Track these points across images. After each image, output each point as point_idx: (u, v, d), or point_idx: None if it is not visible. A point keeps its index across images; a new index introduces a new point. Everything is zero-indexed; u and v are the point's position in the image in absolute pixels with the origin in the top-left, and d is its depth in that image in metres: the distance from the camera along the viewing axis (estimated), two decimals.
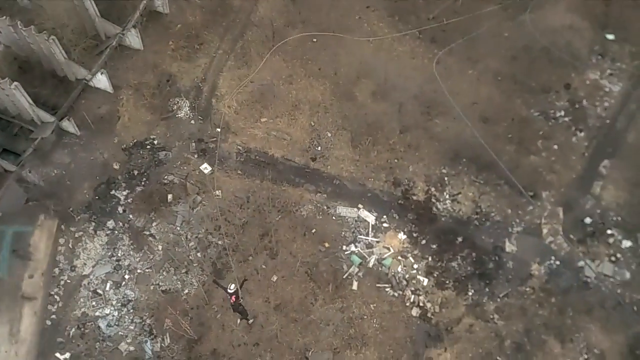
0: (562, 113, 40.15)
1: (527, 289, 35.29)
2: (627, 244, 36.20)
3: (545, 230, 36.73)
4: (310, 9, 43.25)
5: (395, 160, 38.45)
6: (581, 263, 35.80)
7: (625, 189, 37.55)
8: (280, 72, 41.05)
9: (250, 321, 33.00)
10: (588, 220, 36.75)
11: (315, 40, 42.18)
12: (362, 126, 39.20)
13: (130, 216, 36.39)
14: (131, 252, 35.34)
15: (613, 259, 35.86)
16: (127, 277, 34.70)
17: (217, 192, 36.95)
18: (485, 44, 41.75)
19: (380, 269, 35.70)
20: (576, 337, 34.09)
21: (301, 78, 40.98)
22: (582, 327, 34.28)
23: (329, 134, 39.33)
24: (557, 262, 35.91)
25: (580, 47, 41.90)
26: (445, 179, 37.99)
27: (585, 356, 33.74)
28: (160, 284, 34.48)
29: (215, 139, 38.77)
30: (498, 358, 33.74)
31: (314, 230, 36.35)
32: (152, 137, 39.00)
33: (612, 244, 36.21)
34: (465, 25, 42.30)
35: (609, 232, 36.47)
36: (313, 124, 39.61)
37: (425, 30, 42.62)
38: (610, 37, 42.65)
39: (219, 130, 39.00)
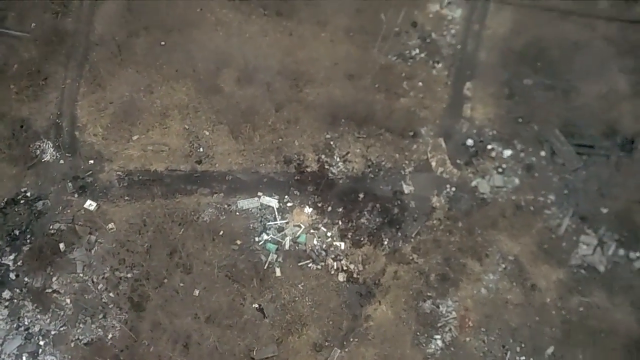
0: (417, 51, 40.97)
1: (434, 222, 36.23)
2: (507, 153, 38.05)
3: (433, 163, 37.71)
4: (149, 14, 40.61)
5: (280, 139, 37.60)
6: (474, 183, 37.24)
7: (492, 104, 39.25)
8: (138, 84, 38.46)
9: None
10: (469, 142, 38.15)
11: (163, 43, 39.83)
12: (237, 115, 37.82)
13: (26, 279, 32.96)
14: (38, 316, 32.09)
15: (500, 170, 37.59)
16: (42, 343, 31.52)
17: (110, 226, 34.31)
18: (329, 4, 41.39)
19: (297, 248, 35.09)
20: (490, 251, 35.61)
21: (161, 84, 38.69)
22: (492, 240, 35.83)
23: (207, 133, 37.62)
24: (453, 189, 37.10)
25: None
26: (331, 143, 37.76)
27: (503, 265, 35.37)
28: (80, 338, 31.65)
29: (90, 172, 35.84)
30: (428, 294, 34.60)
31: (221, 232, 34.90)
32: (22, 190, 35.37)
33: (495, 157, 37.91)
34: None
35: (489, 147, 38.10)
36: (187, 127, 37.68)
37: (269, 6, 41.52)
38: None
39: (91, 162, 36.09)
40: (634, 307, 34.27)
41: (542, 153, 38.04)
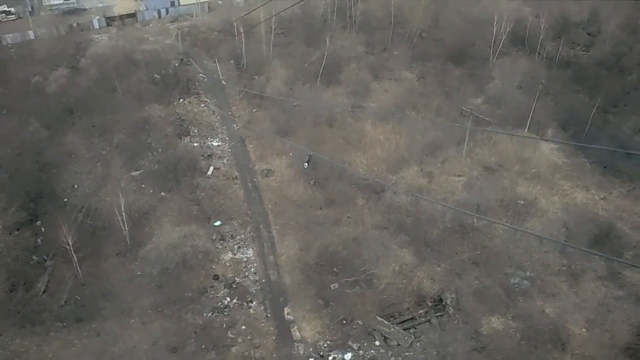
0: (228, 299, 40.71)
1: None
2: (348, 356, 37.50)
3: None
4: None
5: None
6: None
7: (314, 317, 39.46)
8: None
9: None
10: None
11: None
12: None
13: None
14: None
15: None
16: None
17: None
18: (127, 291, 39.95)
19: None
20: None
21: None
22: None
23: None
24: None
25: (203, 244, 44.01)
26: None
27: None
28: None
29: None
30: None
31: None
32: None
33: None
34: (98, 289, 39.98)
35: (330, 358, 37.23)
36: None
37: (65, 317, 38.50)
38: (218, 223, 46.36)
39: None
40: None
41: (377, 343, 38.58)
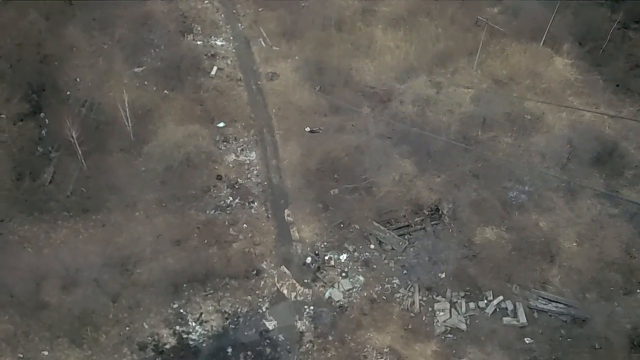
0: (231, 198, 43.74)
1: (307, 345, 37.04)
2: (344, 257, 41.26)
3: (285, 291, 39.24)
4: None
5: (127, 328, 36.33)
6: (327, 294, 39.30)
7: (313, 220, 42.83)
8: None
9: None
10: (308, 259, 40.69)
11: None
12: (73, 323, 36.00)
13: None
14: None
15: (344, 274, 40.35)
16: None
17: None
18: (132, 186, 42.75)
19: None
20: (366, 351, 37.09)
21: None
22: (363, 341, 37.45)
23: (46, 352, 35.09)
24: (311, 307, 38.70)
25: (207, 144, 46.29)
26: (181, 311, 37.51)
27: (382, 359, 36.91)
28: None
29: None
30: None
31: None
32: None
33: (335, 265, 40.74)
34: (103, 182, 42.83)
35: (327, 258, 40.96)
36: (22, 356, 34.81)
37: (72, 207, 41.56)
38: (221, 124, 48.49)
39: None
40: (503, 349, 37.71)
41: (372, 246, 41.95)
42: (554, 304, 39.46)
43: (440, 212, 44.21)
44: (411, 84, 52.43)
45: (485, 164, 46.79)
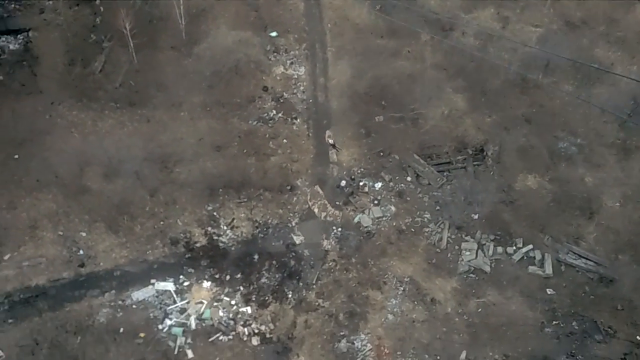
0: (274, 112, 45.23)
1: (330, 264, 39.41)
2: (378, 185, 42.79)
3: (316, 210, 41.32)
4: None
5: (162, 223, 39.26)
6: (356, 219, 41.22)
7: (353, 145, 44.16)
8: None
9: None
10: (342, 183, 42.44)
11: (17, 156, 40.42)
12: (111, 210, 39.06)
13: None
14: None
15: (376, 202, 42.04)
16: None
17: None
18: (179, 86, 44.68)
19: (204, 324, 36.39)
20: (386, 278, 39.25)
21: (23, 198, 39.05)
22: (386, 268, 39.58)
23: (84, 234, 38.34)
24: (339, 229, 40.79)
25: (256, 53, 47.42)
26: (215, 214, 40.12)
27: (401, 288, 39.07)
28: None
29: None
30: (341, 333, 37.16)
31: (121, 330, 35.34)
32: None
33: (368, 191, 42.41)
34: (151, 78, 44.82)
35: (361, 183, 42.61)
36: (62, 233, 38.19)
37: (120, 99, 43.88)
38: (274, 34, 49.20)
39: None
40: (524, 296, 39.22)
41: (408, 178, 43.21)
42: (583, 260, 40.38)
43: (484, 154, 44.77)
44: (477, 14, 51.49)
45: (540, 110, 46.60)
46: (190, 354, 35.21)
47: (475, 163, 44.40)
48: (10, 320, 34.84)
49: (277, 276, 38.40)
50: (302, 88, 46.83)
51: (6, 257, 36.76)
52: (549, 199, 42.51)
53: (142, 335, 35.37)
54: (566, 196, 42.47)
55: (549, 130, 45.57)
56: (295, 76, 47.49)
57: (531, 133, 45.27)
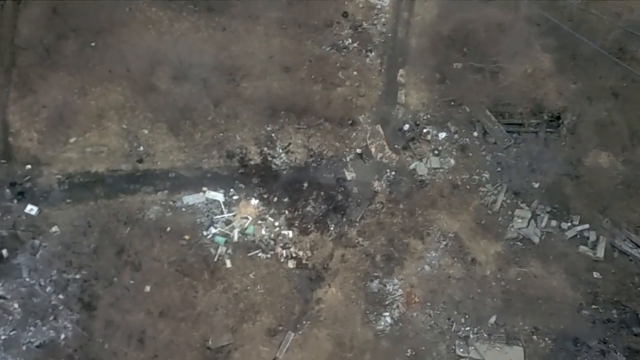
0: (350, 40, 45.01)
1: (377, 205, 40.30)
2: (442, 135, 42.67)
3: (373, 149, 41.85)
4: (76, 16, 42.85)
5: (221, 134, 40.81)
6: (412, 166, 41.61)
7: (425, 89, 43.79)
8: (71, 87, 40.79)
9: None
10: (405, 127, 42.52)
11: (94, 44, 42.23)
12: (175, 113, 40.78)
13: None
14: None
15: (436, 152, 42.12)
16: None
17: (54, 229, 36.64)
18: None
19: (245, 239, 38.44)
20: (431, 229, 39.97)
21: (95, 86, 41.14)
22: (432, 219, 40.22)
23: (146, 131, 40.38)
24: (393, 173, 41.33)
25: None
26: (273, 135, 41.30)
27: (444, 242, 39.78)
28: (31, 340, 34.00)
29: (28, 177, 37.95)
30: (375, 274, 38.55)
31: (168, 229, 37.77)
32: None
33: (430, 140, 42.43)
34: None
35: (424, 131, 42.59)
36: (125, 127, 40.33)
37: (199, 3, 44.58)
38: None
39: (29, 167, 38.20)
40: (568, 274, 39.22)
41: (475, 133, 42.81)
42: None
43: (560, 121, 43.57)
44: None
45: (631, 85, 44.46)
46: (228, 263, 37.47)
47: (548, 130, 43.36)
48: (68, 200, 37.77)
49: (322, 207, 39.69)
50: (383, 20, 46.13)
51: (71, 140, 39.34)
52: (618, 180, 41.42)
53: (186, 237, 37.70)
54: (638, 181, 41.27)
55: (636, 108, 43.64)
56: (379, 6, 46.63)
57: (615, 108, 43.54)
